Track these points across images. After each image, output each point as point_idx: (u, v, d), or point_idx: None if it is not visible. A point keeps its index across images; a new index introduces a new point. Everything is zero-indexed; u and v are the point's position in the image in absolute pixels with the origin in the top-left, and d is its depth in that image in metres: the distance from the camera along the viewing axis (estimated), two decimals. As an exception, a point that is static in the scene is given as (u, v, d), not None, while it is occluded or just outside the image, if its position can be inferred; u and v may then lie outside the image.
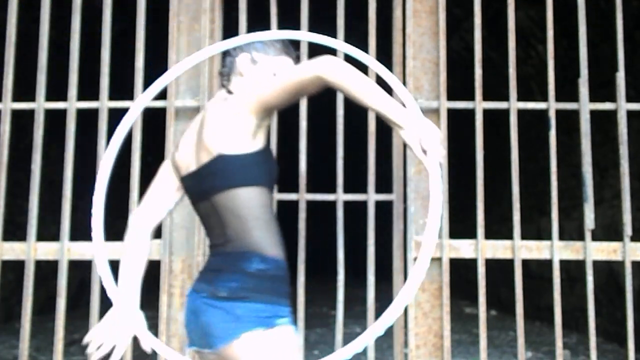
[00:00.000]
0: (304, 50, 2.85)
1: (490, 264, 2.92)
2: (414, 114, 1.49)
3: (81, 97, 2.91)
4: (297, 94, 1.59)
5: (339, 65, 1.51)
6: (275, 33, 1.68)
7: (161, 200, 1.80)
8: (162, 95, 2.88)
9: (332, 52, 1.73)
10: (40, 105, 2.87)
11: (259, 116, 1.63)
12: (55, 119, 3.27)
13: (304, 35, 1.60)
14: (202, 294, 1.63)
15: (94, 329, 1.63)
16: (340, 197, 2.85)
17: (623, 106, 2.84)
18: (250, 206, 1.63)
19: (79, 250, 2.81)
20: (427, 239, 1.42)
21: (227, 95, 1.77)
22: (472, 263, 2.82)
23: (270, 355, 1.56)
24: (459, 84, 4.09)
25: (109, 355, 1.60)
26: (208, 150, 1.65)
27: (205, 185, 1.67)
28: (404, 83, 2.88)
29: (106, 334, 1.61)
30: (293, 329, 1.64)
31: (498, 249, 2.79)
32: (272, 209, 1.71)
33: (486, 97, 2.90)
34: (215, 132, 1.64)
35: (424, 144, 1.47)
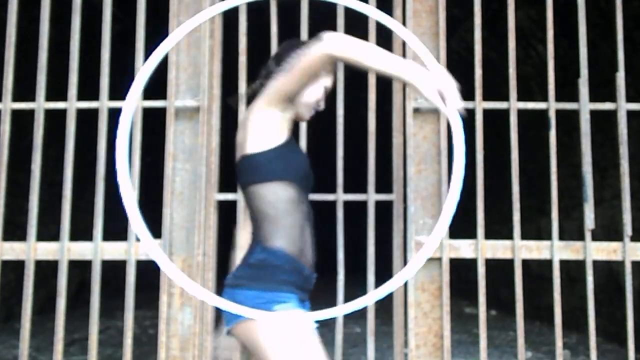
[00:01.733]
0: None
1: (490, 264, 2.92)
2: (427, 62, 1.49)
3: (81, 97, 2.91)
4: (310, 74, 1.65)
5: (342, 38, 1.57)
6: None
7: None
8: (162, 95, 2.89)
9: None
10: (40, 105, 2.87)
11: (280, 107, 1.70)
12: (55, 119, 3.27)
13: None
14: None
15: None
16: (340, 197, 2.85)
17: (623, 106, 2.84)
18: (265, 201, 1.71)
19: (79, 250, 2.81)
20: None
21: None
22: (472, 263, 2.82)
23: (271, 339, 1.61)
24: (459, 84, 4.09)
25: None
26: (239, 150, 1.76)
27: (238, 182, 1.81)
28: (404, 83, 2.88)
29: None
30: (298, 312, 1.66)
31: (498, 249, 2.79)
32: (297, 204, 1.74)
33: (486, 97, 2.91)
34: (244, 132, 1.75)
35: (441, 93, 1.48)
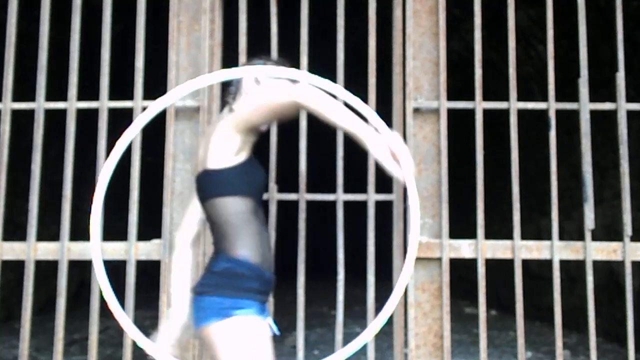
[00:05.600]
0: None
1: (490, 264, 2.92)
2: (381, 130, 1.61)
3: (81, 97, 2.91)
4: (275, 115, 1.82)
5: (314, 93, 1.67)
6: (276, 71, 1.73)
7: (194, 213, 2.07)
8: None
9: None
10: (40, 105, 2.87)
11: (243, 134, 1.84)
12: (55, 119, 3.27)
13: (305, 77, 1.66)
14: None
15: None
16: (340, 197, 2.85)
17: (623, 106, 2.84)
18: (226, 213, 1.86)
19: (79, 250, 2.81)
20: (412, 240, 1.59)
21: (228, 113, 1.97)
22: (472, 263, 2.82)
23: (227, 341, 1.76)
24: (459, 84, 4.09)
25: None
26: (200, 164, 1.90)
27: (198, 195, 1.94)
28: (404, 83, 2.88)
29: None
30: (255, 318, 1.81)
31: (498, 249, 2.79)
32: (255, 214, 1.90)
33: (486, 97, 2.90)
34: (206, 148, 1.88)
35: (395, 157, 1.59)
